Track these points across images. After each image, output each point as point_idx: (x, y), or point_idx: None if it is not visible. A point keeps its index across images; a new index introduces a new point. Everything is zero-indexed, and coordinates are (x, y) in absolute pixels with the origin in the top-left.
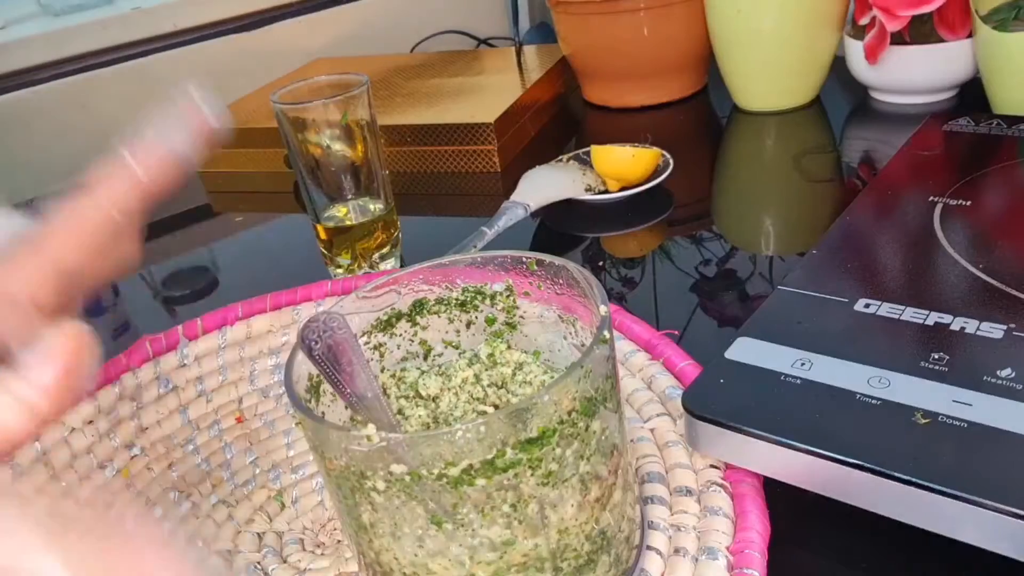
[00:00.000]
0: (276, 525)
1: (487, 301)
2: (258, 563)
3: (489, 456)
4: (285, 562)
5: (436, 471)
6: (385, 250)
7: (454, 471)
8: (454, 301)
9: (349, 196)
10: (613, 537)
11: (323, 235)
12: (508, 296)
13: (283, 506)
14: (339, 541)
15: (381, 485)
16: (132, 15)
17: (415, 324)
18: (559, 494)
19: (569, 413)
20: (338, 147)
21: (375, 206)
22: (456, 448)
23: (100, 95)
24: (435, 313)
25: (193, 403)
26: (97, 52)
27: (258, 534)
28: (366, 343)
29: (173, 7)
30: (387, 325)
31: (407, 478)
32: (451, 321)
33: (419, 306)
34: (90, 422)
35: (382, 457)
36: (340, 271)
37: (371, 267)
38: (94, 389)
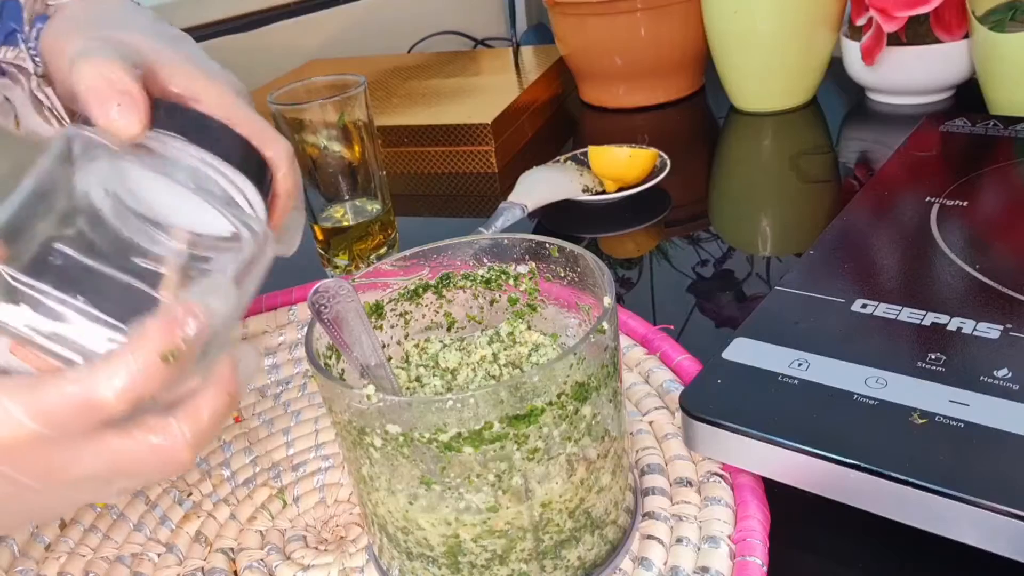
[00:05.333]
0: (279, 523)
1: (511, 281)
2: (262, 560)
3: (477, 427)
4: (288, 559)
5: (427, 435)
6: (382, 251)
7: (444, 437)
8: (480, 278)
9: (346, 197)
10: (599, 518)
11: (320, 236)
12: (531, 279)
13: (285, 504)
14: (342, 537)
15: (378, 442)
16: None
17: (441, 296)
18: (544, 470)
19: (559, 396)
20: (335, 148)
21: (372, 207)
22: (446, 416)
23: None
24: (461, 288)
25: None
26: None
27: (261, 532)
28: (392, 310)
29: (170, 8)
30: (414, 295)
31: (401, 438)
32: (476, 297)
33: (446, 279)
34: None
35: (379, 416)
36: (337, 272)
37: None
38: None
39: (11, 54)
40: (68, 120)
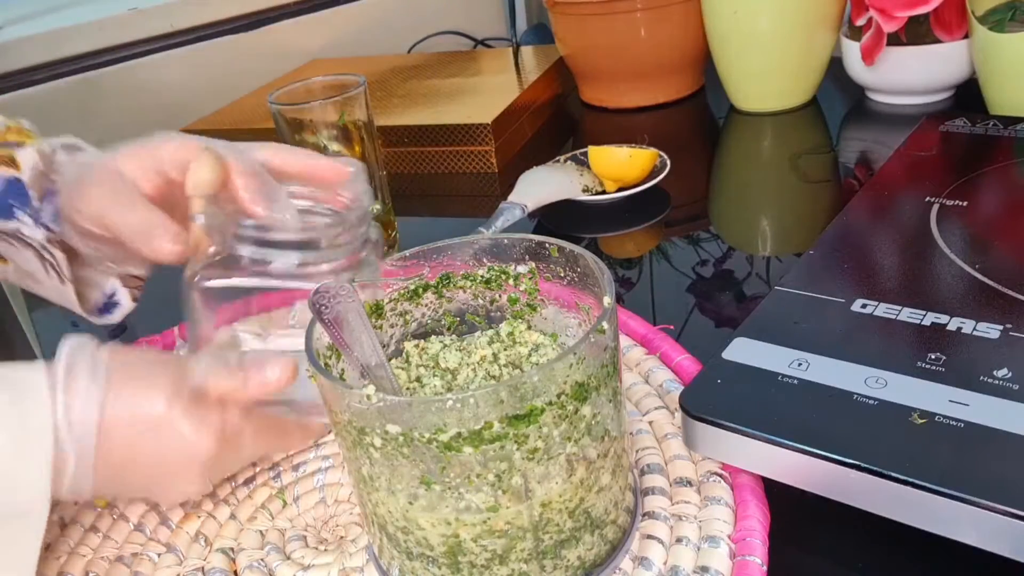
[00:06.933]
0: (278, 523)
1: (511, 281)
2: (261, 559)
3: (477, 427)
4: (288, 559)
5: (427, 435)
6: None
7: (444, 437)
8: (480, 278)
9: None
10: (599, 518)
11: None
12: (531, 279)
13: (285, 504)
14: (341, 537)
15: (378, 442)
16: (129, 16)
17: (441, 296)
18: (544, 470)
19: (559, 395)
20: (335, 148)
21: (372, 207)
22: (446, 416)
23: (97, 96)
24: (461, 288)
25: None
26: (94, 53)
27: (261, 532)
28: (392, 310)
29: (170, 8)
30: (414, 295)
31: (401, 438)
32: (476, 297)
33: (446, 279)
34: None
35: (379, 416)
36: None
37: None
38: None
39: (9, 226)
40: (67, 273)
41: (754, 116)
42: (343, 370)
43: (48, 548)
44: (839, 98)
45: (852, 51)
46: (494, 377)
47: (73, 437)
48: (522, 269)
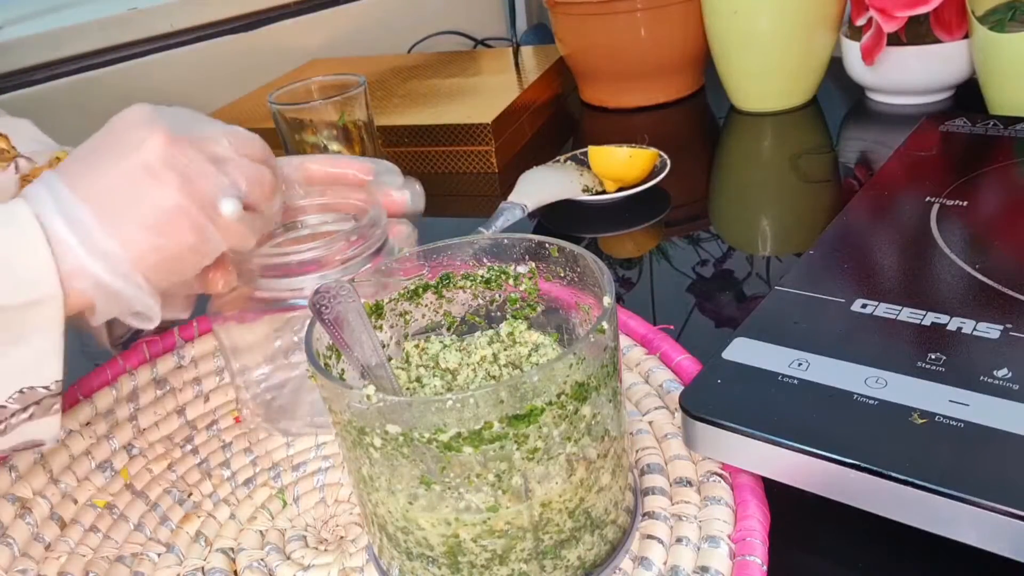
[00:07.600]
0: (278, 523)
1: (511, 281)
2: (261, 560)
3: (477, 427)
4: (288, 559)
5: (427, 435)
6: None
7: (444, 437)
8: (480, 278)
9: None
10: (599, 518)
11: None
12: (531, 279)
13: (285, 504)
14: (341, 537)
15: (378, 442)
16: (129, 15)
17: (441, 296)
18: (544, 470)
19: (559, 395)
20: (335, 148)
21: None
22: (446, 416)
23: (97, 96)
24: (461, 288)
25: (191, 404)
26: (94, 52)
27: (260, 532)
28: (392, 310)
29: (170, 7)
30: (413, 295)
31: (401, 438)
32: (476, 297)
33: (446, 279)
34: (88, 424)
35: (379, 416)
36: None
37: None
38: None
39: None
40: None
41: (754, 116)
42: (343, 370)
43: (48, 548)
44: (839, 98)
45: (852, 51)
46: (494, 377)
47: (62, 214)
48: (522, 269)
